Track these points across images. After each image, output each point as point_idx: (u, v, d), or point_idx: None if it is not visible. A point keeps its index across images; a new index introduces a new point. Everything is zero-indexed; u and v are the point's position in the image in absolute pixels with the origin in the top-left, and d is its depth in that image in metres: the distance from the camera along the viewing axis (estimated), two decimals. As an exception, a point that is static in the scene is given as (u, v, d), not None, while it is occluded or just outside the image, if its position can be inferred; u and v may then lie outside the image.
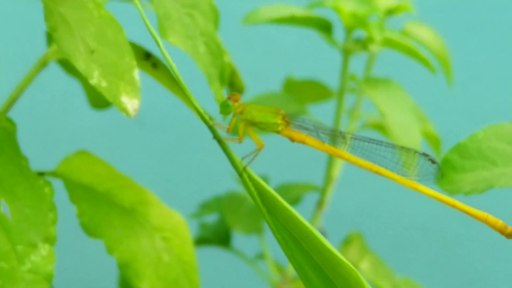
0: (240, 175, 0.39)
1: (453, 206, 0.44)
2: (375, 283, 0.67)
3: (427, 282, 1.11)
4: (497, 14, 1.04)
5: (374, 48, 0.66)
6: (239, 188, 0.72)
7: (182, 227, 0.53)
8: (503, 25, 1.04)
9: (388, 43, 0.62)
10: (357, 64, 0.73)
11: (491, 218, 0.44)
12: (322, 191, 0.70)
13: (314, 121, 0.44)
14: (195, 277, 0.53)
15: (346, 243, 0.71)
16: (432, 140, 0.71)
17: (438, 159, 0.43)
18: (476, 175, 0.41)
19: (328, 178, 0.69)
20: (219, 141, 0.40)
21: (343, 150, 0.44)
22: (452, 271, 1.11)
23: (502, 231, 0.45)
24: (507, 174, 0.40)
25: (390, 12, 0.70)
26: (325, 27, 0.64)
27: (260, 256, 0.75)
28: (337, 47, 0.64)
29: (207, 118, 0.39)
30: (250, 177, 0.38)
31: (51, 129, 1.13)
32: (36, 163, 0.48)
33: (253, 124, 0.43)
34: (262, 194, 0.38)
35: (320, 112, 0.70)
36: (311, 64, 1.08)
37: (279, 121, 0.43)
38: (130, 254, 0.48)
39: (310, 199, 0.72)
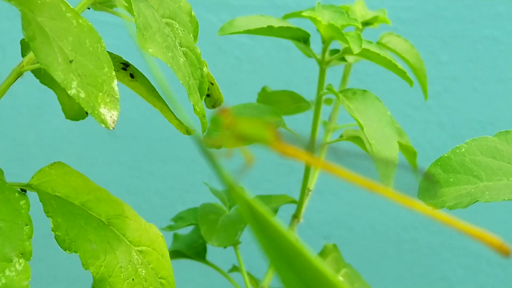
0: (230, 190, 0.38)
1: (449, 223, 0.44)
2: (352, 296, 0.66)
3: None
4: (469, 27, 1.05)
5: (351, 59, 0.66)
6: (213, 199, 0.71)
7: (159, 241, 0.52)
8: (475, 38, 1.05)
9: (366, 54, 0.61)
10: (332, 74, 0.73)
11: (488, 236, 0.44)
12: (298, 203, 0.69)
13: (307, 137, 0.44)
14: (172, 291, 0.52)
15: (321, 255, 0.70)
16: (408, 152, 0.71)
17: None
18: (460, 189, 0.41)
19: (304, 190, 0.69)
20: (207, 156, 0.39)
21: (338, 167, 0.43)
22: (424, 281, 1.12)
23: (499, 249, 0.45)
24: (492, 188, 0.40)
25: (367, 23, 0.70)
26: (302, 38, 0.63)
27: (235, 268, 0.75)
28: (314, 58, 0.64)
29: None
30: (240, 193, 0.38)
31: (20, 139, 1.12)
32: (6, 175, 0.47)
33: (243, 138, 0.42)
34: (253, 211, 0.37)
35: (296, 123, 0.70)
36: (286, 74, 1.08)
37: (269, 134, 0.43)
38: (106, 269, 0.47)
39: (283, 210, 0.71)
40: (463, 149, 0.42)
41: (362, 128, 0.58)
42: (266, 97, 0.73)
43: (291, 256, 0.34)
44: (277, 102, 0.72)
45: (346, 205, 1.12)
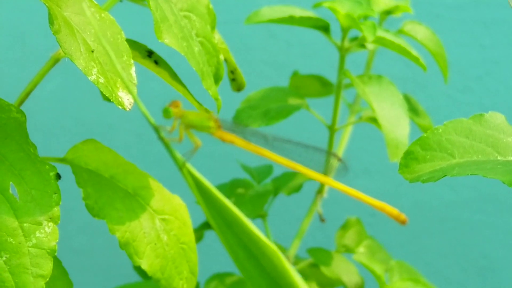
0: (180, 169, 0.45)
1: (357, 197, 0.52)
2: (368, 267, 0.71)
3: (440, 269, 1.14)
4: (510, 11, 1.07)
5: (370, 46, 0.70)
6: (243, 175, 0.77)
7: (181, 210, 0.58)
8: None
9: (381, 42, 0.66)
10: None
11: (388, 207, 0.52)
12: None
13: (242, 125, 0.52)
14: (193, 256, 0.58)
15: (343, 228, 0.75)
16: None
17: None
18: (434, 165, 0.45)
19: (327, 167, 0.73)
20: (162, 140, 0.46)
21: (266, 150, 0.51)
22: (465, 258, 1.14)
23: (397, 218, 0.54)
24: (462, 165, 0.44)
25: (388, 12, 0.74)
26: (322, 27, 0.68)
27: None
28: (334, 46, 0.69)
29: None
30: (189, 171, 0.44)
31: (60, 119, 1.17)
32: (47, 150, 0.53)
33: (190, 126, 0.51)
34: (199, 185, 0.43)
35: (324, 106, 0.75)
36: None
37: (211, 124, 0.51)
38: (131, 234, 0.53)
39: (311, 186, 0.76)
40: (440, 130, 0.46)
41: (373, 110, 0.63)
42: (297, 81, 0.79)
43: (230, 220, 0.41)
44: (306, 85, 0.77)
45: (391, 183, 1.16)
